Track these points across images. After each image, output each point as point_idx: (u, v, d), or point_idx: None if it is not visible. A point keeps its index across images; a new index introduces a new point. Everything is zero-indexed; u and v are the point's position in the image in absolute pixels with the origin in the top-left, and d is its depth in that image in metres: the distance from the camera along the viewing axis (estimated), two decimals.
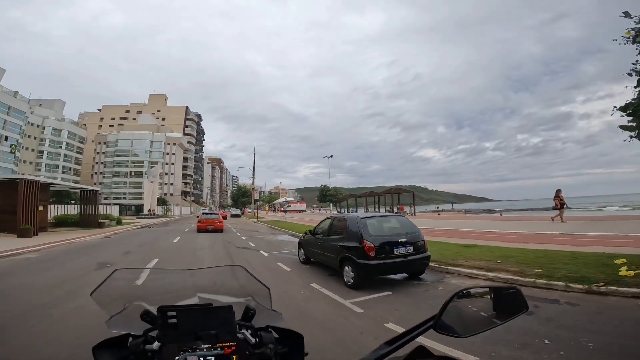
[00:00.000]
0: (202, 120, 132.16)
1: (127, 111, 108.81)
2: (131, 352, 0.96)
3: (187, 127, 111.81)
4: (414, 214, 40.88)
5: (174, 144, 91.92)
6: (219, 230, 20.09)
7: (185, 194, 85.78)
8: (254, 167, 41.46)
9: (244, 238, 16.98)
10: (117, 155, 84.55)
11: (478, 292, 1.01)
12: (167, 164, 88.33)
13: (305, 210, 79.31)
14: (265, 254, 11.34)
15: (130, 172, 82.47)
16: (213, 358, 0.91)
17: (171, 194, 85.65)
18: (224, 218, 37.59)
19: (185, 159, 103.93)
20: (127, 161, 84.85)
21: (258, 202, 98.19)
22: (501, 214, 44.06)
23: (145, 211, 46.11)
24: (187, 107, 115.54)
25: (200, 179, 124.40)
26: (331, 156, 67.95)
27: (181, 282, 1.37)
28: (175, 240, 16.07)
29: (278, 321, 1.12)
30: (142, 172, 76.88)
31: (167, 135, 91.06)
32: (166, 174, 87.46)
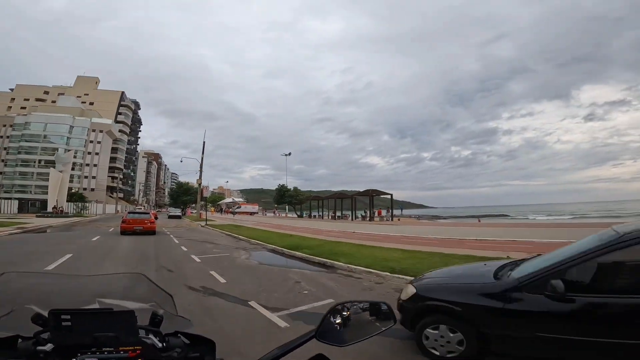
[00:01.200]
0: (139, 109, 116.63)
1: (46, 92, 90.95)
2: (21, 354, 0.91)
3: (120, 114, 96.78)
4: (391, 219, 35.73)
5: (101, 131, 77.73)
6: (150, 232, 16.65)
7: (112, 189, 72.30)
8: (202, 158, 33.26)
9: (197, 259, 9.57)
10: (25, 141, 68.77)
11: (353, 305, 1.08)
12: (89, 153, 74.07)
13: (257, 212, 70.95)
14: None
15: (40, 161, 67.27)
16: None
17: (92, 189, 71.67)
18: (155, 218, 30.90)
19: (114, 149, 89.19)
20: (37, 148, 69.45)
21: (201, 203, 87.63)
22: (479, 220, 41.07)
23: (50, 208, 34.93)
24: (122, 93, 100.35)
25: (132, 174, 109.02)
26: (289, 154, 61.32)
27: (78, 287, 1.32)
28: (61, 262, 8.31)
29: (188, 327, 1.11)
30: (53, 161, 62.47)
31: (92, 120, 76.69)
32: (87, 165, 73.15)
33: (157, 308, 1.14)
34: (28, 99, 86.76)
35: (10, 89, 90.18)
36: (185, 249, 11.56)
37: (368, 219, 37.95)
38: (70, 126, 72.84)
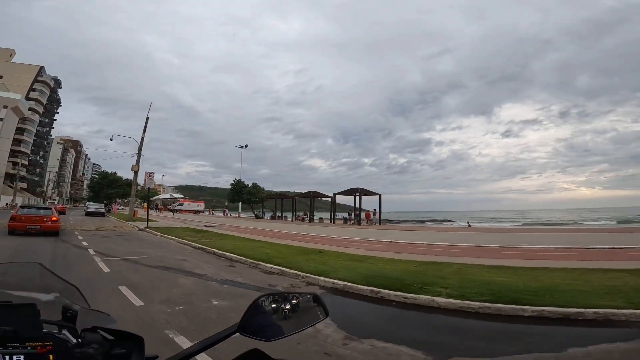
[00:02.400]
0: (60, 88, 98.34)
1: None
2: None
3: (34, 90, 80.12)
4: (380, 223, 31.08)
5: (5, 107, 62.18)
6: (52, 231, 13.12)
7: (12, 177, 57.57)
8: (142, 138, 25.45)
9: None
10: None
11: (282, 297, 1.02)
12: None
13: (203, 211, 61.93)
14: None
15: None
16: (22, 356, 0.82)
17: None
18: (61, 212, 26.79)
19: (21, 130, 73.03)
20: None
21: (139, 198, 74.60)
22: (469, 225, 38.54)
23: None
24: (41, 67, 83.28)
25: (41, 162, 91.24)
26: (246, 146, 54.34)
27: None
28: None
29: (109, 323, 1.04)
30: None
31: None
32: None
33: (63, 301, 1.07)
34: None
35: None
36: (131, 296, 5.20)
37: (352, 222, 32.92)
38: None
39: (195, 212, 57.77)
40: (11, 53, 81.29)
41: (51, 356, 0.85)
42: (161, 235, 15.24)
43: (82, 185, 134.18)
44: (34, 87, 79.25)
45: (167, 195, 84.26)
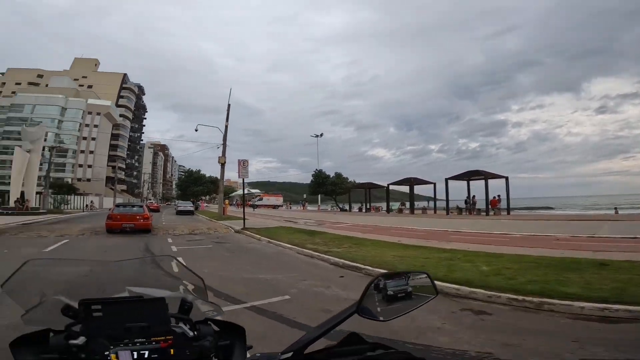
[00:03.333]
0: (144, 95, 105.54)
1: (40, 76, 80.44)
2: (53, 348, 0.86)
3: (122, 97, 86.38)
4: (508, 212, 24.66)
5: (99, 114, 67.39)
6: (144, 229, 13.29)
7: (112, 180, 62.12)
8: (226, 127, 22.58)
9: None
10: (8, 125, 58.88)
11: (394, 278, 1.03)
12: (84, 138, 63.85)
13: (282, 206, 60.40)
14: None
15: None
16: (148, 352, 0.85)
17: (88, 179, 61.63)
18: (156, 210, 28.02)
19: (116, 136, 79.14)
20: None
21: (210, 196, 76.40)
22: (617, 211, 29.41)
23: (13, 201, 24.61)
24: (125, 75, 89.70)
25: (137, 165, 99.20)
26: (321, 134, 50.52)
27: (106, 274, 1.28)
28: None
29: (218, 314, 1.08)
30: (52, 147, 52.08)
31: (89, 102, 66.49)
32: (82, 151, 62.99)
33: (187, 294, 1.10)
34: (20, 83, 76.74)
35: (0, 73, 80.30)
36: None
37: (469, 212, 27.00)
38: (63, 108, 62.80)
39: (274, 207, 56.15)
40: (96, 63, 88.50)
41: (172, 350, 0.87)
42: (268, 241, 11.47)
43: (172, 185, 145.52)
44: (121, 94, 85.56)
45: (256, 191, 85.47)
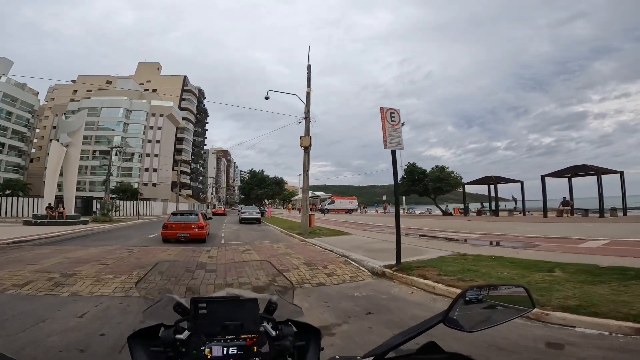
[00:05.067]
0: (205, 98, 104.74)
1: (109, 82, 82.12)
2: (162, 342, 0.98)
3: (184, 100, 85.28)
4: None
5: (162, 115, 65.49)
6: (199, 239, 12.88)
7: (179, 186, 59.54)
8: (308, 95, 15.09)
9: None
10: None
11: (487, 290, 1.02)
12: (149, 141, 62.07)
13: (356, 209, 52.42)
14: None
15: (94, 151, 56.70)
16: (236, 348, 0.94)
17: (154, 184, 59.41)
18: (222, 215, 30.58)
19: (179, 140, 77.81)
20: (91, 137, 59.04)
21: (275, 199, 70.43)
22: None
23: (45, 208, 19.68)
24: (185, 77, 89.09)
25: (202, 170, 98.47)
26: (403, 123, 41.33)
27: (210, 276, 2.19)
28: None
29: (298, 316, 1.13)
30: (108, 150, 50.08)
31: (152, 103, 65.05)
32: (148, 155, 61.15)
33: (275, 295, 1.17)
34: (90, 90, 79.15)
35: (72, 81, 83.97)
36: None
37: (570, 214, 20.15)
38: (127, 110, 61.66)
39: (347, 211, 48.28)
40: (158, 67, 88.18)
41: (255, 347, 0.94)
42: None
43: (234, 190, 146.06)
44: (183, 97, 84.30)
45: (309, 194, 78.93)
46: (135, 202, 34.06)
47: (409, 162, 34.37)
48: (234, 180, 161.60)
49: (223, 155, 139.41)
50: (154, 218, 34.99)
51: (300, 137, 15.23)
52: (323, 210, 45.68)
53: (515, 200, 28.87)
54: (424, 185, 32.52)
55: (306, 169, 15.32)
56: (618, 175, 21.96)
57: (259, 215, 26.39)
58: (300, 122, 15.70)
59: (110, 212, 27.06)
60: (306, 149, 15.20)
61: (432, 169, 32.76)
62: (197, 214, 14.14)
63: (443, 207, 32.99)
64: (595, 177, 21.55)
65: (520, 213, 27.18)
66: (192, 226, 12.98)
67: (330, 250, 9.78)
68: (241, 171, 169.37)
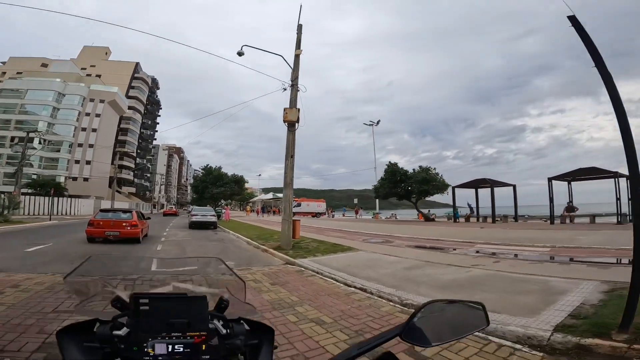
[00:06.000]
0: (158, 89, 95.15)
1: (44, 65, 70.94)
2: (97, 337, 0.93)
3: (133, 88, 76.06)
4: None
5: (102, 102, 56.69)
6: (132, 238, 11.87)
7: (115, 181, 51.12)
8: (297, 58, 10.17)
9: None
10: None
11: (444, 305, 1.00)
12: (83, 130, 53.16)
13: (324, 213, 47.99)
14: None
15: (13, 138, 47.02)
16: (182, 346, 0.90)
17: (85, 179, 50.73)
18: (173, 215, 29.60)
19: (124, 130, 68.78)
20: (11, 122, 49.36)
21: (233, 200, 64.09)
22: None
23: None
24: (137, 64, 79.77)
25: (149, 166, 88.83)
26: (378, 122, 38.63)
27: (156, 269, 1.33)
28: None
29: (251, 314, 1.10)
30: (34, 138, 40.82)
31: (91, 87, 56.12)
32: (80, 145, 52.21)
33: (226, 293, 1.13)
34: (21, 72, 67.55)
35: (1, 62, 71.38)
36: None
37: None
38: (60, 94, 52.37)
39: (315, 215, 43.83)
40: (106, 51, 78.39)
41: (204, 346, 0.91)
42: None
43: (187, 190, 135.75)
44: (132, 84, 75.23)
45: (270, 195, 73.19)
46: (51, 198, 26.76)
47: (389, 162, 30.51)
48: (187, 179, 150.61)
49: (175, 152, 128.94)
50: (80, 218, 27.89)
51: (285, 109, 10.45)
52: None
53: (470, 207, 28.65)
54: (407, 188, 28.83)
55: (291, 154, 10.52)
56: (545, 185, 22.08)
57: (214, 219, 20.96)
58: (285, 89, 10.94)
59: (7, 211, 20.08)
60: (291, 125, 10.45)
61: (415, 170, 29.13)
62: (130, 212, 12.90)
63: (425, 211, 29.64)
64: (502, 188, 26.26)
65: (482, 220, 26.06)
66: (124, 224, 11.84)
67: (368, 292, 5.20)
68: (195, 170, 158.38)
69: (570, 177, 22.34)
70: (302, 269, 7.25)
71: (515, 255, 8.72)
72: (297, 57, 11.14)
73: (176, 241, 13.27)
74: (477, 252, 9.35)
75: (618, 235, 12.05)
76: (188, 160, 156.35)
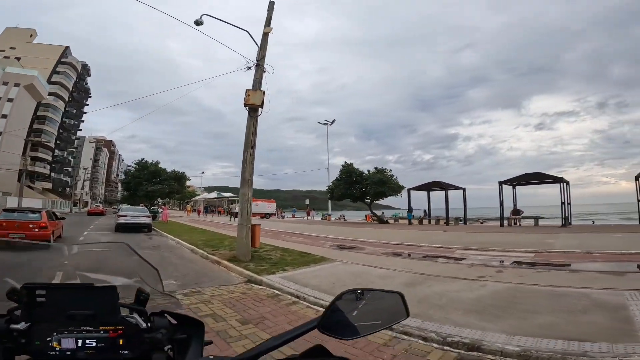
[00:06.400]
0: (89, 76, 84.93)
1: None
2: None
3: (58, 73, 66.82)
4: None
5: (17, 85, 48.74)
6: (43, 240, 9.90)
7: (24, 175, 43.37)
8: (265, 36, 8.19)
9: None
10: None
11: (362, 295, 0.96)
12: None
13: (274, 214, 45.62)
14: None
15: None
16: (95, 340, 0.84)
17: None
18: (100, 214, 27.13)
19: (41, 118, 59.82)
20: None
21: (172, 199, 58.64)
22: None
23: None
24: (67, 47, 70.56)
25: (70, 159, 78.73)
26: (333, 121, 37.97)
27: (59, 258, 1.22)
28: None
29: (175, 307, 1.06)
30: None
31: (6, 70, 48.08)
32: None
33: (142, 284, 1.07)
34: None
35: None
36: None
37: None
38: None
39: (264, 216, 41.49)
40: (32, 34, 68.66)
41: (121, 340, 0.85)
42: None
43: (117, 187, 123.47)
44: (57, 69, 66.15)
45: (214, 195, 68.71)
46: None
47: (345, 162, 29.41)
48: (117, 175, 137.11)
49: (105, 145, 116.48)
50: None
51: (247, 90, 8.46)
52: (235, 215, 38.11)
53: (424, 210, 29.00)
54: (363, 189, 27.96)
55: (251, 145, 8.54)
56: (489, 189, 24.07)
57: (148, 220, 17.90)
58: (250, 68, 8.98)
59: None
60: (253, 110, 8.52)
61: (370, 171, 28.36)
62: (39, 212, 11.78)
63: (379, 213, 29.08)
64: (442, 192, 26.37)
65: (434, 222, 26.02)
66: (31, 225, 10.82)
67: (392, 331, 3.58)
68: (128, 165, 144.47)
69: (515, 182, 23.44)
70: (276, 291, 5.43)
71: (517, 262, 7.88)
72: (265, 34, 9.23)
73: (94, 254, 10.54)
74: (464, 259, 8.37)
75: (586, 238, 12.02)
76: (120, 155, 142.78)
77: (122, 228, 16.74)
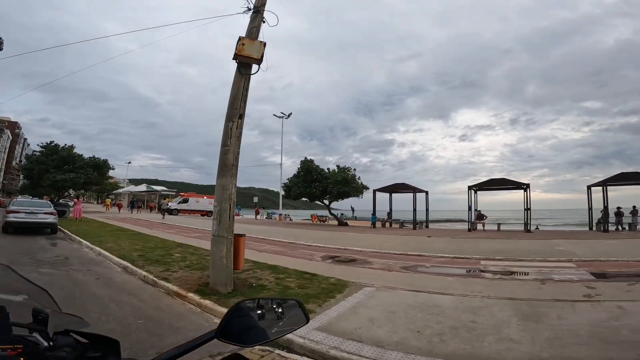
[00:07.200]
0: (1, 49, 69.20)
1: None
2: None
3: None
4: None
5: None
6: None
7: None
8: None
9: None
10: None
11: (261, 303, 0.99)
12: None
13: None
14: None
15: None
16: None
17: None
18: None
19: None
20: None
21: (88, 190, 49.18)
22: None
23: None
24: None
25: None
26: (289, 115, 35.32)
27: None
28: None
29: (82, 326, 1.01)
30: None
31: None
32: None
33: (33, 303, 1.03)
34: None
35: None
36: None
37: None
38: None
39: (205, 214, 36.97)
40: None
41: (22, 358, 0.83)
42: None
43: (19, 175, 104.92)
44: None
45: (142, 188, 60.67)
46: None
47: (305, 157, 26.52)
48: (21, 161, 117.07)
49: (8, 126, 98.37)
50: None
51: (241, 38, 5.35)
52: (167, 211, 33.28)
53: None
54: (324, 188, 25.73)
55: (240, 113, 5.44)
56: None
57: (52, 219, 13.22)
58: (250, 10, 5.87)
59: None
60: (246, 66, 5.44)
61: (330, 169, 25.84)
62: None
63: (338, 214, 26.86)
64: (402, 195, 26.43)
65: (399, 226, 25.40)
66: None
67: None
68: (34, 151, 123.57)
69: (477, 187, 23.37)
70: None
71: (593, 274, 6.19)
72: None
73: None
74: (527, 274, 6.48)
75: (593, 245, 10.98)
76: (26, 139, 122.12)
77: (13, 229, 12.02)
